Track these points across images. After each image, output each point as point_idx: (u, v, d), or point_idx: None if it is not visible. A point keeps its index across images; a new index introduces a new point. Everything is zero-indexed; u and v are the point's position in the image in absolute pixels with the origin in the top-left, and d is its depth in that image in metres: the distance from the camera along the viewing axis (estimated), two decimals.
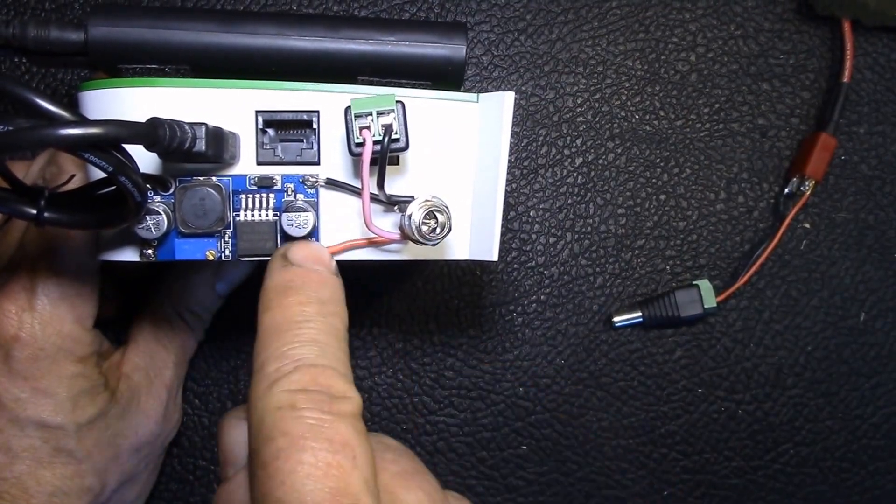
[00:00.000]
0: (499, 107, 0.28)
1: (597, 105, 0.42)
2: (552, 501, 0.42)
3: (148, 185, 0.28)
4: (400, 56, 0.29)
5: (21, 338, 0.31)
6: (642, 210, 0.42)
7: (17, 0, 0.41)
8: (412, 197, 0.28)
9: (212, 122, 0.26)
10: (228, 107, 0.28)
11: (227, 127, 0.28)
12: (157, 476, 0.39)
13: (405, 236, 0.28)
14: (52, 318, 0.32)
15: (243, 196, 0.29)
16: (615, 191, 0.42)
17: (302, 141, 0.29)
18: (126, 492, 0.36)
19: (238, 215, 0.29)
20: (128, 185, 0.24)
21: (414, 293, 0.42)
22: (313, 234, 0.29)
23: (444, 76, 0.30)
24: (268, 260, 0.28)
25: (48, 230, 0.31)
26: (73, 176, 0.30)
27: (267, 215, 0.29)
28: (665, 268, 0.42)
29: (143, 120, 0.24)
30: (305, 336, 0.25)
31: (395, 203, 0.28)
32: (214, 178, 0.28)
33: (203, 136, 0.26)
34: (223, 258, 0.29)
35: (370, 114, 0.26)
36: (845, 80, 0.41)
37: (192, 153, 0.26)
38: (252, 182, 0.29)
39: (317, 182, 0.29)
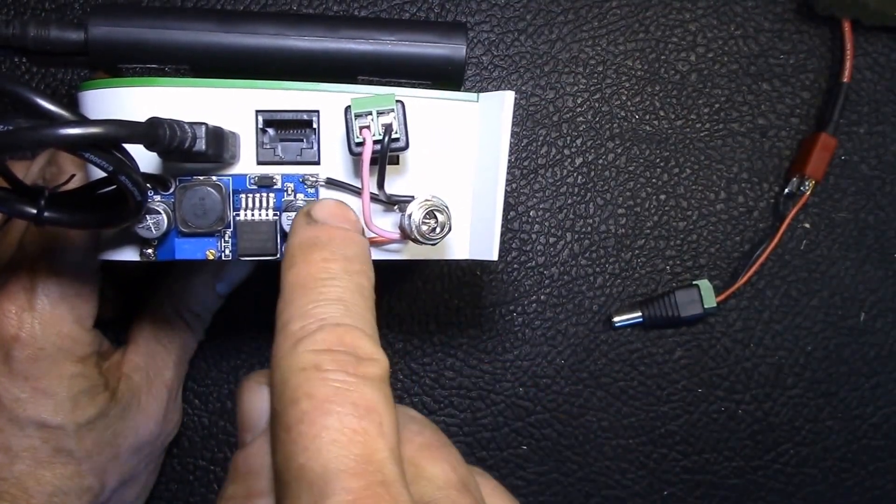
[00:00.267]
0: (499, 107, 0.28)
1: (597, 105, 0.42)
2: (552, 501, 0.42)
3: (148, 185, 0.28)
4: (400, 56, 0.29)
5: (21, 338, 0.31)
6: (642, 210, 0.42)
7: (17, 0, 0.41)
8: (412, 197, 0.28)
9: (212, 122, 0.26)
10: (228, 106, 0.28)
11: (227, 127, 0.28)
12: (157, 476, 0.39)
13: (405, 236, 0.28)
14: (51, 318, 0.32)
15: (243, 196, 0.29)
16: (615, 191, 0.42)
17: (302, 141, 0.29)
18: (126, 492, 0.36)
19: (238, 215, 0.29)
20: (128, 185, 0.24)
21: (414, 293, 0.42)
22: None
23: (444, 76, 0.30)
24: (268, 260, 0.28)
25: (48, 230, 0.31)
26: (73, 176, 0.30)
27: (267, 215, 0.29)
28: (665, 268, 0.42)
29: (143, 120, 0.24)
30: (331, 294, 0.24)
31: (395, 203, 0.28)
32: (214, 178, 0.28)
33: (203, 135, 0.26)
34: (223, 258, 0.29)
35: (370, 113, 0.26)
36: (845, 80, 0.41)
37: (192, 153, 0.26)
38: (252, 182, 0.29)
39: (317, 182, 0.29)
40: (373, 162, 0.27)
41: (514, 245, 0.42)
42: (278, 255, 0.29)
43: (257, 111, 0.28)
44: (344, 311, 0.23)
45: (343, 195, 0.29)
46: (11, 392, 0.31)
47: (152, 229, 0.28)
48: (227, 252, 0.29)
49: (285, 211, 0.28)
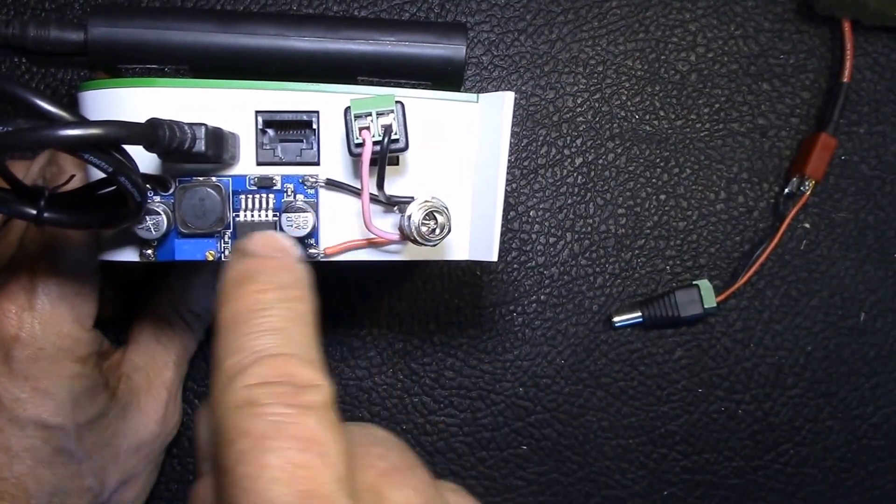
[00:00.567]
0: (499, 107, 0.28)
1: (597, 105, 0.42)
2: (552, 501, 0.42)
3: (148, 186, 0.28)
4: (400, 56, 0.29)
5: (21, 338, 0.31)
6: (642, 210, 0.42)
7: (17, 0, 0.41)
8: (412, 197, 0.28)
9: (212, 123, 0.26)
10: (228, 107, 0.28)
11: (226, 127, 0.28)
12: (157, 476, 0.39)
13: (405, 237, 0.28)
14: (51, 318, 0.32)
15: (243, 196, 0.29)
16: (615, 191, 0.42)
17: (302, 141, 0.29)
18: (126, 492, 0.36)
19: (238, 216, 0.29)
20: (128, 186, 0.24)
21: (414, 293, 0.42)
22: (313, 234, 0.29)
23: (443, 76, 0.30)
24: None
25: (48, 230, 0.31)
26: (73, 176, 0.30)
27: (267, 216, 0.29)
28: (665, 268, 0.42)
29: (143, 120, 0.24)
30: (266, 325, 0.23)
31: (394, 203, 0.28)
32: (214, 179, 0.28)
33: (203, 136, 0.26)
34: (223, 258, 0.29)
35: (370, 114, 0.26)
36: (845, 80, 0.41)
37: (191, 153, 0.26)
38: (252, 182, 0.29)
39: (316, 182, 0.29)
40: (372, 163, 0.27)
41: (514, 245, 0.42)
42: None
43: (257, 112, 0.28)
44: (280, 341, 0.22)
45: (343, 196, 0.29)
46: (11, 392, 0.31)
47: (152, 230, 0.28)
48: (227, 253, 0.29)
49: (285, 212, 0.28)
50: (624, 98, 0.42)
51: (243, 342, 0.22)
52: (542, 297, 0.42)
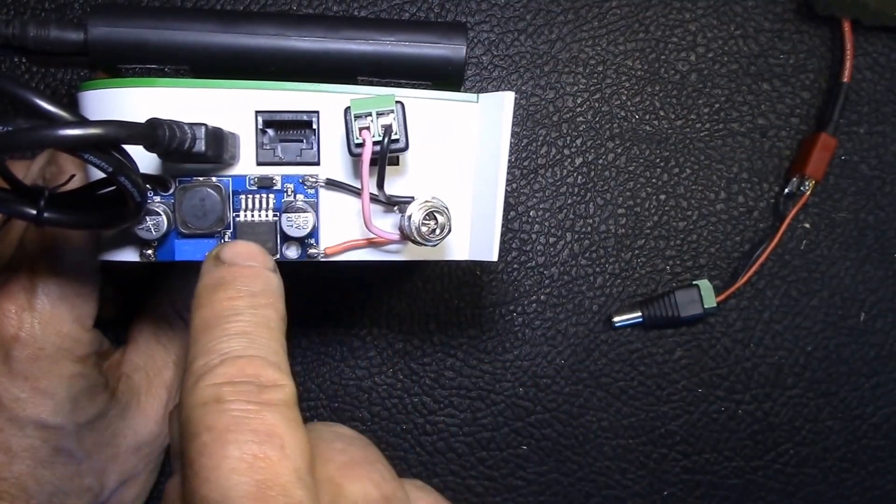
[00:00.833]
0: (499, 107, 0.28)
1: (597, 105, 0.42)
2: (552, 501, 0.42)
3: (148, 186, 0.28)
4: (400, 56, 0.29)
5: (21, 338, 0.31)
6: (642, 210, 0.42)
7: (17, 0, 0.41)
8: (412, 197, 0.28)
9: (212, 123, 0.26)
10: (228, 107, 0.28)
11: (226, 127, 0.28)
12: (157, 476, 0.39)
13: (405, 237, 0.28)
14: (51, 317, 0.32)
15: (243, 196, 0.29)
16: (615, 191, 0.42)
17: (302, 141, 0.29)
18: (125, 492, 0.36)
19: (238, 216, 0.29)
20: (128, 186, 0.24)
21: (414, 293, 0.42)
22: (313, 234, 0.29)
23: (444, 76, 0.30)
24: None
25: (48, 230, 0.31)
26: (73, 176, 0.30)
27: (267, 216, 0.29)
28: (665, 268, 0.42)
29: (143, 120, 0.24)
30: (234, 329, 0.24)
31: (394, 203, 0.28)
32: (214, 179, 0.28)
33: (203, 136, 0.26)
34: None
35: (370, 114, 0.26)
36: (845, 80, 0.41)
37: (191, 153, 0.26)
38: (252, 182, 0.29)
39: (317, 182, 0.29)
40: (372, 163, 0.27)
41: (514, 245, 0.42)
42: (278, 256, 0.29)
43: (257, 112, 0.28)
44: (247, 344, 0.23)
45: (343, 196, 0.29)
46: (11, 392, 0.31)
47: (152, 230, 0.28)
48: None
49: (285, 212, 0.28)
50: (624, 98, 0.42)
51: (212, 345, 0.23)
52: (542, 297, 0.42)
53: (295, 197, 0.29)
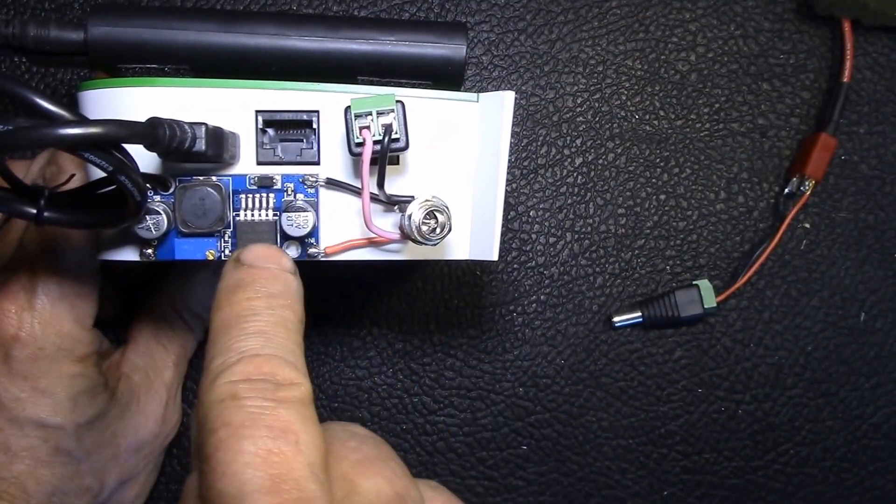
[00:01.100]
0: (499, 107, 0.28)
1: (597, 105, 0.42)
2: (552, 501, 0.42)
3: (148, 185, 0.28)
4: (400, 56, 0.29)
5: (21, 337, 0.31)
6: (642, 210, 0.42)
7: (17, 0, 0.41)
8: (412, 197, 0.28)
9: (212, 122, 0.26)
10: (228, 107, 0.28)
11: (227, 127, 0.28)
12: (157, 476, 0.39)
13: (405, 236, 0.28)
14: (51, 317, 0.32)
15: (243, 196, 0.29)
16: (615, 191, 0.42)
17: (302, 141, 0.29)
18: (125, 492, 0.36)
19: (238, 215, 0.29)
20: (128, 185, 0.24)
21: (414, 293, 0.42)
22: (313, 234, 0.29)
23: (444, 76, 0.30)
24: None
25: (48, 230, 0.31)
26: (73, 175, 0.30)
27: (267, 215, 0.29)
28: (665, 268, 0.42)
29: (143, 120, 0.24)
30: (252, 328, 0.24)
31: (395, 203, 0.28)
32: (214, 178, 0.28)
33: (203, 135, 0.26)
34: (223, 258, 0.29)
35: (370, 114, 0.26)
36: (845, 80, 0.41)
37: (191, 153, 0.26)
38: (252, 182, 0.29)
39: (317, 182, 0.29)
40: (373, 162, 0.27)
41: (514, 245, 0.42)
42: None
43: (257, 111, 0.28)
44: (264, 343, 0.24)
45: (343, 195, 0.29)
46: (11, 392, 0.31)
47: (152, 230, 0.28)
48: (226, 252, 0.29)
49: (285, 211, 0.28)
50: (624, 98, 0.42)
51: (230, 344, 0.24)
52: (542, 297, 0.42)
53: (295, 196, 0.29)
